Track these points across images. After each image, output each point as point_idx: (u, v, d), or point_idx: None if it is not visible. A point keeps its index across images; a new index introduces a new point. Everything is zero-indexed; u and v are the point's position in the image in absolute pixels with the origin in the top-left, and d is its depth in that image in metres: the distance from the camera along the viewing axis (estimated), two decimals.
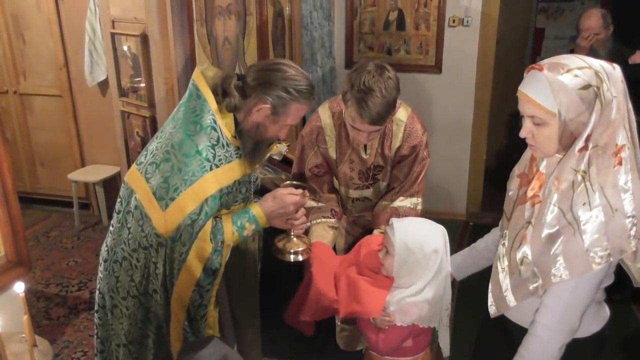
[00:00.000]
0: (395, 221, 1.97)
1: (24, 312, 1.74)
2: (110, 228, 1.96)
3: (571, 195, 1.44)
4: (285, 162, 3.19)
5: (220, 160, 1.80)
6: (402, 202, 2.42)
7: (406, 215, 2.35)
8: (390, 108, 2.14)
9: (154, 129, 2.88)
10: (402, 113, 2.37)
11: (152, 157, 1.82)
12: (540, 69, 1.44)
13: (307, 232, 2.36)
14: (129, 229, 1.85)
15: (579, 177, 1.43)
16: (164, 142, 1.82)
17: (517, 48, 5.75)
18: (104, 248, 1.98)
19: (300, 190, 1.96)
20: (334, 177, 2.56)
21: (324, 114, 2.42)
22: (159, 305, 1.89)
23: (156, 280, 1.85)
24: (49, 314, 3.53)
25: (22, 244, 2.24)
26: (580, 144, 1.43)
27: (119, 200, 1.93)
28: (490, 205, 4.79)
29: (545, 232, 1.47)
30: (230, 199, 1.89)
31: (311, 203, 2.47)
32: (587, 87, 1.40)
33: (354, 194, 2.55)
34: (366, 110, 2.08)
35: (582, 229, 1.42)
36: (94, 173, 4.61)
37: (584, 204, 1.42)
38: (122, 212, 1.89)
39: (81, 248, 4.39)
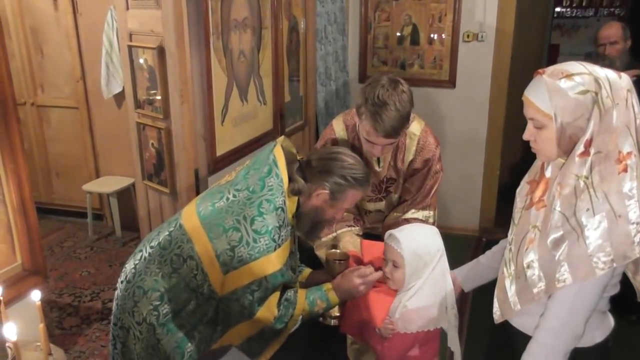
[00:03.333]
0: (394, 232, 1.98)
1: (40, 321, 1.76)
2: (145, 254, 1.97)
3: (574, 201, 1.45)
4: None
5: (282, 240, 1.88)
6: (414, 214, 2.44)
7: None
8: (404, 121, 2.16)
9: (169, 141, 2.91)
10: (415, 126, 2.38)
11: (220, 218, 1.85)
12: (542, 73, 1.49)
13: (334, 239, 2.46)
14: (174, 269, 1.88)
15: (582, 183, 1.44)
16: (235, 208, 1.86)
17: (532, 64, 5.74)
18: (129, 267, 1.99)
19: (370, 269, 2.05)
20: None
21: (338, 126, 2.44)
22: (171, 342, 1.91)
23: (192, 318, 1.91)
24: (62, 323, 3.55)
25: (39, 253, 2.27)
26: (580, 149, 1.45)
27: (167, 237, 1.94)
28: (503, 221, 4.73)
29: (551, 237, 1.49)
30: (288, 274, 1.96)
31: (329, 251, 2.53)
32: (584, 92, 1.43)
33: (368, 206, 2.58)
34: (380, 123, 2.11)
35: (585, 234, 1.43)
36: (109, 184, 4.65)
37: (587, 209, 1.43)
38: (170, 252, 1.90)
39: (94, 259, 4.42)
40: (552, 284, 1.50)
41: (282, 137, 2.06)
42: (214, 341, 1.97)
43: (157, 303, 1.89)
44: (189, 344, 1.92)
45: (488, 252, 2.00)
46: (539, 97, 1.48)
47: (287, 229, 1.90)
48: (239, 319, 1.92)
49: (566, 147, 1.50)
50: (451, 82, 4.61)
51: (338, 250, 2.24)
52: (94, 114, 4.71)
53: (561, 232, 1.47)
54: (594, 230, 1.42)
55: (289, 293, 1.98)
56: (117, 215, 4.63)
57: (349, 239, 2.44)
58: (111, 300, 3.49)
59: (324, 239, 2.22)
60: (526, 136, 1.57)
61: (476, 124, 4.67)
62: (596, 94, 1.42)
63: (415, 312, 1.94)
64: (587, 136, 1.44)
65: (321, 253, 2.42)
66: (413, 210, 2.45)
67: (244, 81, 3.17)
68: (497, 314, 1.68)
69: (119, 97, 4.42)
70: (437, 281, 1.95)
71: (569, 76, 1.44)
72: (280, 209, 1.86)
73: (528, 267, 1.55)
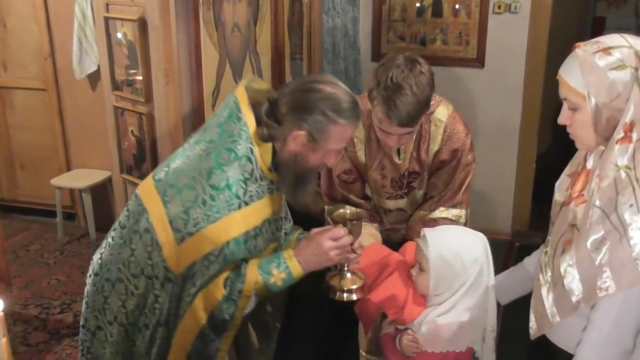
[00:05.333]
0: (427, 231, 1.97)
1: (2, 335, 1.76)
2: (109, 240, 1.99)
3: (615, 195, 1.45)
4: None
5: (251, 196, 1.83)
6: (442, 213, 2.44)
7: None
8: (422, 108, 2.15)
9: (152, 128, 2.92)
10: (442, 112, 2.38)
11: (175, 177, 1.85)
12: (577, 47, 1.49)
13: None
14: (132, 250, 1.88)
15: (623, 174, 1.44)
16: (191, 164, 1.85)
17: (574, 40, 5.71)
18: (96, 259, 2.01)
19: (343, 230, 1.93)
20: (367, 185, 2.58)
21: None
22: (144, 343, 1.92)
23: (152, 315, 1.88)
24: (27, 339, 3.56)
25: (1, 258, 2.28)
26: (619, 134, 1.44)
27: (125, 213, 1.96)
28: (540, 223, 4.72)
29: (591, 238, 1.48)
30: (260, 242, 1.91)
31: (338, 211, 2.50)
32: (621, 67, 1.43)
33: (387, 204, 2.57)
34: (394, 110, 2.09)
35: (629, 234, 1.43)
36: (81, 178, 4.66)
37: (631, 205, 1.43)
38: (128, 229, 1.91)
39: (65, 264, 4.43)
40: (592, 292, 1.49)
41: (251, 76, 2.00)
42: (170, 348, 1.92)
43: (124, 298, 1.89)
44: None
45: (527, 258, 1.99)
46: (572, 74, 1.49)
47: (259, 184, 1.85)
48: (187, 306, 1.84)
49: (605, 133, 1.50)
50: (479, 61, 4.60)
51: (348, 210, 2.14)
52: (65, 96, 4.71)
53: (602, 232, 1.47)
54: (639, 229, 1.42)
55: (237, 265, 1.87)
56: (91, 214, 4.64)
57: (367, 232, 2.40)
58: None
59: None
60: (561, 119, 1.58)
61: (508, 109, 4.66)
62: (637, 69, 1.42)
63: (445, 329, 1.93)
64: (627, 119, 1.44)
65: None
66: (441, 209, 2.44)
67: (239, 59, 3.17)
68: (534, 328, 1.68)
69: (94, 78, 4.42)
70: (477, 300, 1.93)
71: (605, 50, 1.45)
72: (245, 159, 1.81)
73: (565, 272, 1.55)
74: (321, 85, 1.85)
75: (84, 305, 2.03)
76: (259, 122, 1.85)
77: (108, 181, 4.49)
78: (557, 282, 1.58)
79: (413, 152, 2.40)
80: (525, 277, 1.97)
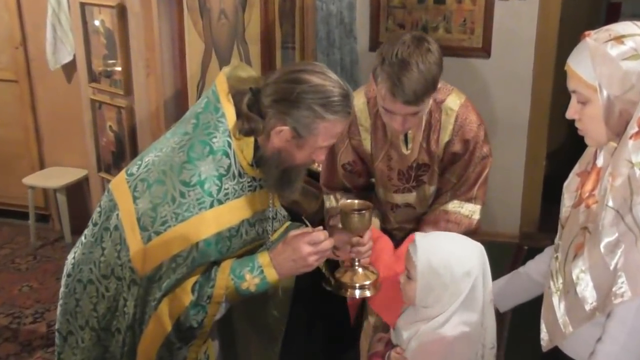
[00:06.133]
0: (418, 237, 1.96)
1: None
2: (82, 239, 1.99)
3: (629, 194, 1.45)
4: None
5: (226, 194, 1.81)
6: (455, 207, 2.47)
7: (458, 224, 2.39)
8: (428, 86, 2.15)
9: (132, 123, 2.91)
10: (453, 100, 2.40)
11: (146, 171, 1.84)
12: (587, 36, 1.50)
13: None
14: (103, 249, 1.88)
15: (638, 172, 1.44)
16: (163, 158, 1.83)
17: (587, 27, 5.73)
18: (69, 259, 2.01)
19: (323, 234, 1.89)
20: (373, 178, 2.61)
21: (359, 100, 2.45)
22: (118, 348, 1.91)
23: (122, 319, 1.88)
24: None
25: None
26: (633, 128, 1.45)
27: (98, 210, 1.95)
28: (550, 225, 4.72)
29: (604, 241, 1.49)
30: (236, 244, 1.89)
31: (331, 202, 2.53)
32: (634, 57, 1.43)
33: (395, 198, 2.59)
34: (399, 86, 2.10)
35: None
36: (56, 177, 4.65)
37: None
38: (99, 227, 1.91)
39: (38, 270, 4.43)
40: (607, 299, 1.49)
41: (237, 62, 1.97)
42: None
43: (95, 300, 1.89)
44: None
45: (530, 262, 2.00)
46: (582, 64, 1.50)
47: (237, 181, 1.83)
48: (152, 312, 1.82)
49: (617, 128, 1.51)
50: (485, 51, 4.61)
51: (356, 200, 2.12)
52: (38, 88, 4.70)
53: (616, 235, 1.47)
54: None
55: (208, 268, 1.85)
56: (67, 216, 4.63)
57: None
58: None
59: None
60: (569, 114, 1.59)
61: (516, 102, 4.66)
62: None
63: (437, 344, 1.90)
64: None
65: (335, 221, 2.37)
66: (455, 202, 2.48)
67: (226, 48, 3.17)
68: (545, 340, 1.69)
69: (69, 68, 4.41)
70: (473, 315, 1.90)
71: (617, 39, 1.45)
72: (221, 153, 1.79)
73: (578, 279, 1.55)
74: (308, 76, 1.80)
75: (59, 308, 2.03)
76: (239, 114, 1.83)
77: (84, 180, 4.47)
78: (570, 290, 1.58)
79: (422, 142, 2.42)
80: (525, 283, 1.98)
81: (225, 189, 1.80)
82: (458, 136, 2.40)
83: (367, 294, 2.08)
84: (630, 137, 1.46)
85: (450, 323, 1.89)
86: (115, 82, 2.98)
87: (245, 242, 1.94)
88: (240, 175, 1.84)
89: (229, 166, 1.81)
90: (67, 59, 4.35)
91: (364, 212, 2.02)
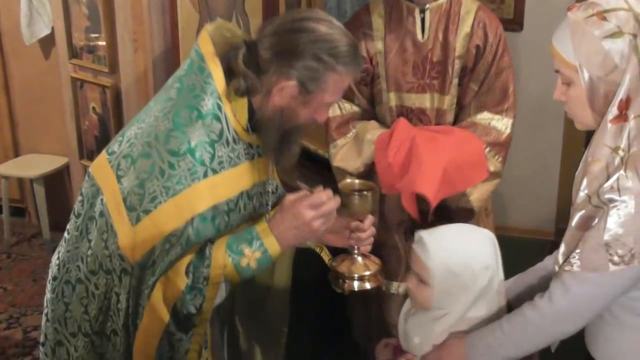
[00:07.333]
0: (424, 235, 1.93)
1: None
2: (66, 235, 1.98)
3: (604, 178, 1.52)
4: None
5: (221, 163, 1.80)
6: (485, 120, 2.58)
7: (488, 138, 2.53)
8: None
9: (118, 103, 2.91)
10: (468, 3, 2.61)
11: (129, 146, 1.83)
12: (569, 10, 1.55)
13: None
14: (89, 241, 1.87)
15: (617, 159, 1.50)
16: (146, 129, 1.82)
17: None
18: (54, 260, 2.00)
19: (325, 194, 1.86)
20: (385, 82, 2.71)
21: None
22: (116, 352, 1.90)
23: (117, 317, 1.86)
24: None
25: None
26: (612, 112, 1.50)
27: (79, 199, 1.95)
28: None
29: (575, 221, 1.60)
30: (234, 220, 1.88)
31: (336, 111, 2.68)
32: (616, 34, 1.47)
33: (409, 99, 2.67)
34: None
35: (605, 218, 1.51)
36: (32, 166, 4.65)
37: (612, 188, 1.50)
38: (83, 217, 1.90)
39: (12, 270, 4.44)
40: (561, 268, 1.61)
41: (219, 20, 1.95)
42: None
43: (86, 302, 1.88)
44: None
45: (549, 259, 2.03)
46: (563, 42, 1.57)
47: (232, 147, 1.82)
48: (146, 302, 1.81)
49: (603, 110, 1.55)
50: (517, 22, 4.59)
51: (357, 180, 2.13)
52: (11, 66, 4.70)
53: (583, 212, 1.57)
54: (616, 215, 1.49)
55: (202, 247, 1.82)
56: (45, 209, 4.62)
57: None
58: (36, 329, 3.51)
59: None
60: (555, 95, 1.68)
61: (552, 81, 4.58)
62: (635, 36, 1.46)
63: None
64: (623, 95, 1.49)
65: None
66: (487, 114, 2.58)
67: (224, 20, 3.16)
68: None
69: (47, 43, 4.40)
70: (489, 307, 1.91)
71: (600, 14, 1.49)
72: (210, 116, 1.78)
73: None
74: (313, 24, 1.78)
75: (43, 318, 2.03)
76: (232, 72, 1.81)
77: (64, 169, 4.50)
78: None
79: (439, 31, 2.60)
80: (535, 279, 2.02)
81: (219, 156, 1.79)
82: (479, 29, 2.59)
83: (367, 286, 2.06)
84: (610, 121, 1.51)
85: (465, 319, 1.90)
86: (99, 58, 2.98)
87: (244, 218, 1.92)
88: (234, 141, 1.83)
89: (221, 131, 1.80)
90: (45, 32, 4.33)
91: (365, 193, 2.02)
